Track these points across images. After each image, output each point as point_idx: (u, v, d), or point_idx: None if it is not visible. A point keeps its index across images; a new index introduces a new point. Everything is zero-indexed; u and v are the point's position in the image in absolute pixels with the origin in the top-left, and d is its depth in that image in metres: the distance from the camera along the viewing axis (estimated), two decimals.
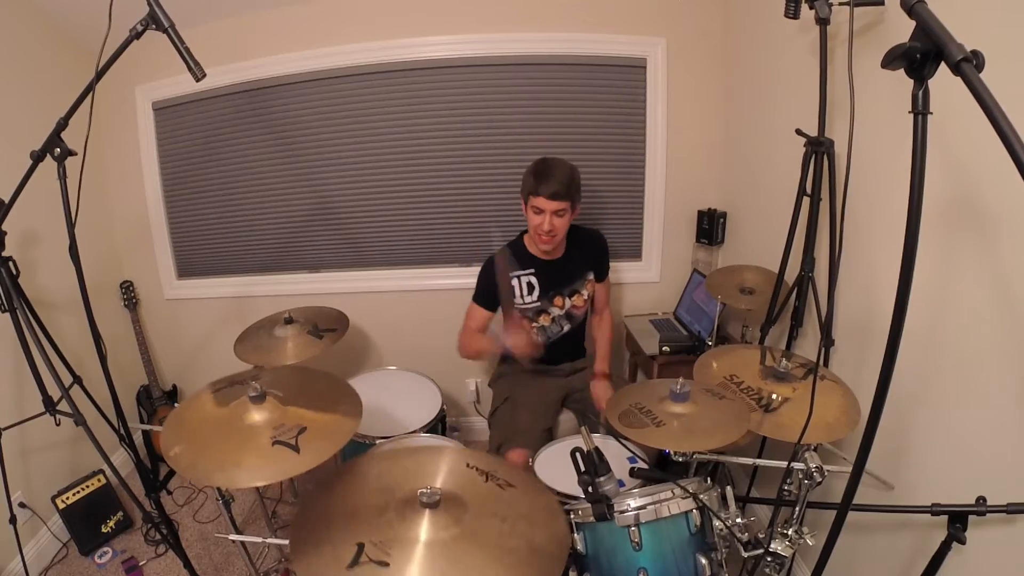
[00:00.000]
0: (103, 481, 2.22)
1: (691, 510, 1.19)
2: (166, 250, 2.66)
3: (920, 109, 0.74)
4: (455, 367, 2.67)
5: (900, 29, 0.74)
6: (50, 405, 1.68)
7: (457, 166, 2.47)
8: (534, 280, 1.98)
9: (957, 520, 1.07)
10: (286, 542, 1.13)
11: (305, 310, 2.18)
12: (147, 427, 2.58)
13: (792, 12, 1.55)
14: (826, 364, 1.58)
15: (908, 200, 0.77)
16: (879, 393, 0.87)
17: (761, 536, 1.22)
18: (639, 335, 2.37)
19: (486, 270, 2.01)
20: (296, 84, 2.40)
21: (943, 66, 0.68)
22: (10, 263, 1.58)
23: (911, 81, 0.73)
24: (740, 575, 1.44)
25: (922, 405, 1.32)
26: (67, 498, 2.11)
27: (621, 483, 1.21)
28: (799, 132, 1.62)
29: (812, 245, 1.63)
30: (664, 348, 2.18)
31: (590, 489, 1.14)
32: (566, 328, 2.07)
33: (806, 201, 1.62)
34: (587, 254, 2.05)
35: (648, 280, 2.65)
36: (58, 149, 1.39)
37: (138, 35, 1.27)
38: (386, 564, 0.95)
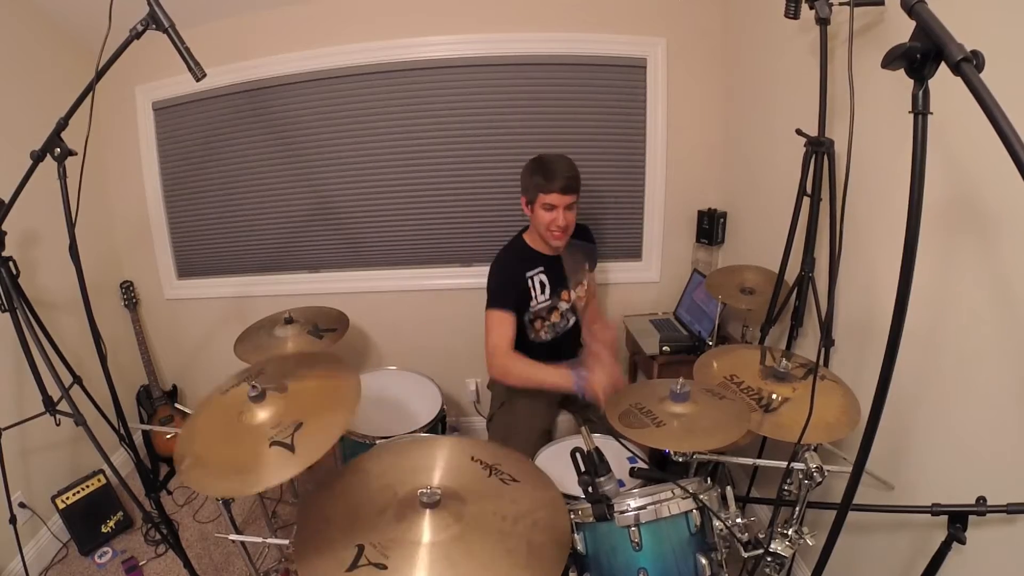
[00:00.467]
0: (103, 481, 2.22)
1: (691, 510, 1.19)
2: (166, 250, 2.66)
3: (920, 109, 0.74)
4: (455, 367, 2.67)
5: (900, 29, 0.74)
6: (50, 405, 1.68)
7: (457, 166, 2.47)
8: (544, 278, 1.97)
9: (957, 520, 1.07)
10: (286, 542, 1.13)
11: (305, 310, 2.18)
12: (147, 427, 2.58)
13: (792, 12, 1.55)
14: (826, 364, 1.58)
15: (908, 200, 0.77)
16: (879, 393, 0.87)
17: (761, 536, 1.22)
18: (639, 335, 2.37)
19: (498, 271, 1.94)
20: (296, 84, 2.40)
21: (943, 66, 0.68)
22: (10, 263, 1.58)
23: (911, 81, 0.73)
24: (740, 575, 1.44)
25: (922, 405, 1.32)
26: (67, 498, 2.11)
27: (621, 483, 1.21)
28: (799, 132, 1.62)
29: (812, 245, 1.63)
30: (664, 348, 2.18)
31: (590, 489, 1.14)
32: (571, 322, 2.08)
33: (806, 201, 1.62)
34: (581, 245, 2.06)
35: (648, 280, 2.65)
36: (58, 149, 1.39)
37: (138, 35, 1.27)
38: (384, 567, 0.95)
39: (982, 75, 0.64)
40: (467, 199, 2.52)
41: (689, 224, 2.54)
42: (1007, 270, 1.11)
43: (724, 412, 1.29)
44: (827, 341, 1.53)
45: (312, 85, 2.39)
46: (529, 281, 1.95)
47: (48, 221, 1.83)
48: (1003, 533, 1.11)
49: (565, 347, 2.11)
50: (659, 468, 1.64)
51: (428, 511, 1.03)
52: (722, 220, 2.42)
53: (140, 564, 2.06)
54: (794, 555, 1.50)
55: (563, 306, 2.03)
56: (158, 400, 2.63)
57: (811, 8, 1.45)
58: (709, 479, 1.29)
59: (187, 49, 1.28)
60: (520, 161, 2.44)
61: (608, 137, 2.46)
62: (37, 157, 1.40)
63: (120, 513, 2.23)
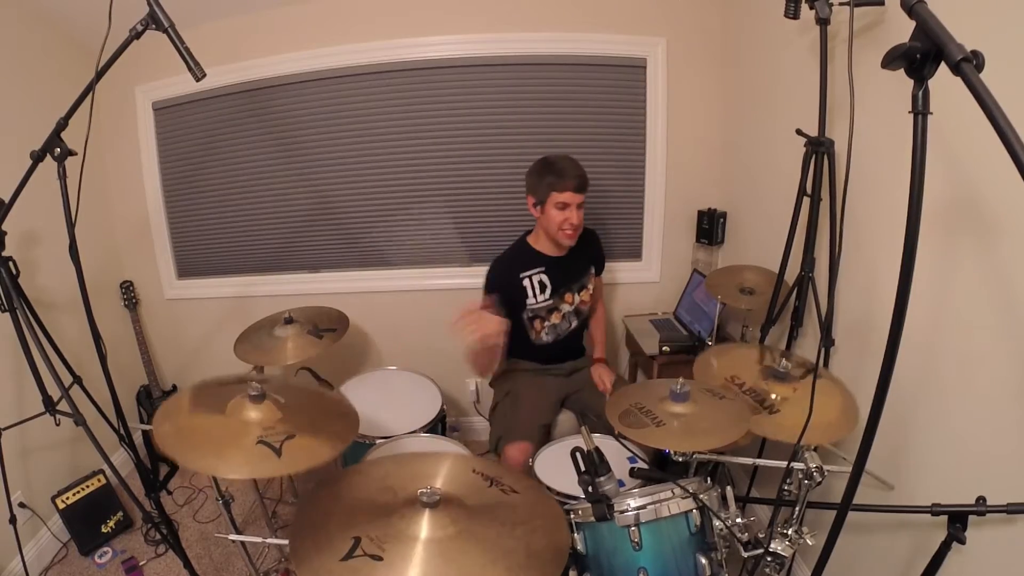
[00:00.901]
0: (103, 481, 2.22)
1: (691, 510, 1.19)
2: (166, 250, 2.66)
3: (920, 109, 0.74)
4: (455, 367, 2.66)
5: (900, 29, 0.74)
6: (50, 405, 1.68)
7: (457, 166, 2.47)
8: (545, 278, 1.97)
9: (957, 520, 1.07)
10: (286, 542, 1.13)
11: (305, 310, 2.18)
12: (147, 427, 2.58)
13: (792, 12, 1.55)
14: (826, 364, 1.58)
15: (908, 200, 0.77)
16: (879, 393, 0.87)
17: (761, 536, 1.22)
18: (639, 335, 2.37)
19: (494, 271, 1.98)
20: (296, 84, 2.40)
21: (943, 66, 0.68)
22: (10, 263, 1.58)
23: (911, 81, 0.73)
24: (740, 575, 1.44)
25: (922, 405, 1.32)
26: (67, 498, 2.11)
27: (621, 483, 1.21)
28: (799, 132, 1.62)
29: (812, 245, 1.63)
30: (664, 348, 2.18)
31: (590, 489, 1.15)
32: (574, 324, 2.08)
33: (806, 201, 1.62)
34: (588, 249, 2.07)
35: (648, 280, 2.65)
36: (58, 149, 1.39)
37: (138, 35, 1.27)
38: (380, 558, 0.95)
39: (982, 75, 0.64)
40: (467, 199, 2.52)
41: (689, 224, 2.54)
42: (1007, 270, 1.11)
43: (724, 412, 1.29)
44: (827, 341, 1.53)
45: (312, 85, 2.39)
46: (525, 280, 1.96)
47: (48, 221, 1.83)
48: (1003, 533, 1.11)
49: (567, 350, 2.11)
50: (659, 468, 1.64)
51: (428, 510, 1.03)
52: (722, 220, 2.41)
53: (140, 564, 2.06)
54: (794, 555, 1.50)
55: (565, 308, 2.03)
56: (158, 400, 2.63)
57: (811, 8, 1.45)
58: (709, 479, 1.29)
59: (187, 49, 1.28)
60: (520, 161, 2.45)
61: (608, 137, 2.46)
62: (37, 157, 1.40)
63: (120, 513, 2.23)
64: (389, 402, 2.03)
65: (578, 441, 1.50)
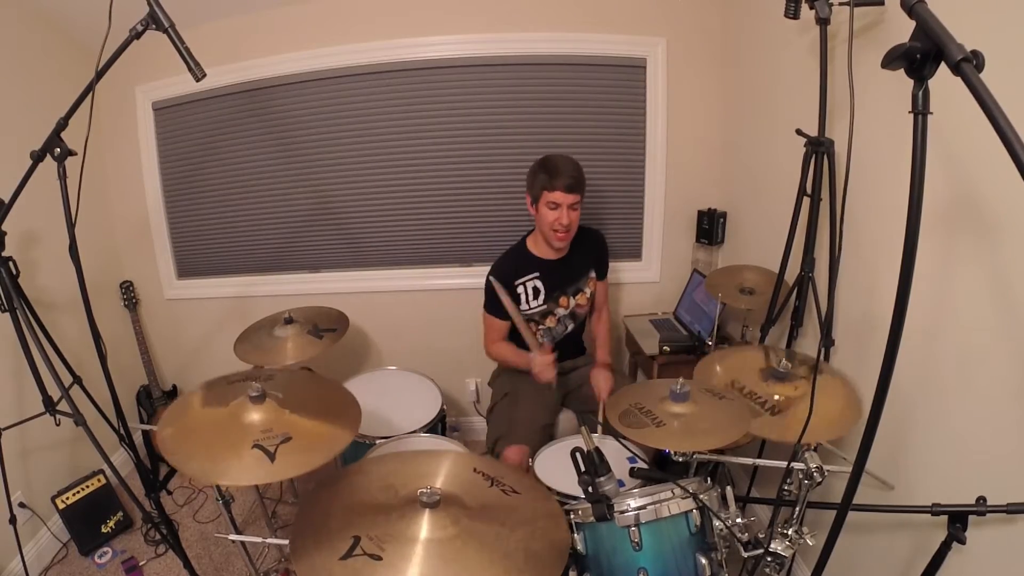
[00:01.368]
0: (103, 481, 2.22)
1: (691, 510, 1.19)
2: (166, 250, 2.66)
3: (920, 109, 0.74)
4: (455, 367, 2.68)
5: (900, 29, 0.74)
6: (50, 405, 1.68)
7: (457, 166, 2.47)
8: (539, 284, 1.97)
9: (957, 520, 1.07)
10: (286, 542, 1.13)
11: (305, 310, 2.18)
12: (147, 427, 2.58)
13: (792, 12, 1.55)
14: (826, 363, 1.58)
15: (908, 200, 0.77)
16: (879, 393, 0.87)
17: (761, 536, 1.22)
18: (639, 335, 2.37)
19: (491, 277, 1.97)
20: (296, 84, 2.40)
21: (943, 66, 0.68)
22: (10, 263, 1.58)
23: (911, 81, 0.73)
24: (740, 575, 1.44)
25: (922, 405, 1.32)
26: (67, 498, 2.11)
27: (621, 483, 1.21)
28: (799, 132, 1.62)
29: (812, 245, 1.63)
30: (664, 348, 2.18)
31: (590, 489, 1.14)
32: (570, 328, 2.08)
33: (806, 201, 1.62)
34: (588, 252, 2.05)
35: (648, 280, 2.65)
36: (58, 149, 1.39)
37: (138, 35, 1.27)
38: (379, 558, 0.95)
39: (982, 75, 0.64)
40: (467, 199, 2.52)
41: (689, 224, 2.54)
42: (1007, 270, 1.11)
43: (724, 412, 1.29)
44: (827, 341, 1.53)
45: (312, 85, 2.39)
46: (520, 288, 1.97)
47: (48, 221, 1.83)
48: (1003, 533, 1.11)
49: (565, 350, 2.11)
50: (659, 468, 1.64)
51: (428, 510, 1.03)
52: (722, 220, 2.41)
53: (140, 564, 2.06)
54: (794, 555, 1.50)
55: (560, 312, 2.03)
56: (158, 400, 2.63)
57: (811, 8, 1.45)
58: (709, 479, 1.29)
59: (187, 49, 1.28)
60: (520, 160, 2.45)
61: (608, 137, 2.46)
62: (37, 157, 1.40)
63: (120, 513, 2.23)
64: (389, 402, 2.03)
65: (578, 441, 1.50)
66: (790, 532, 1.21)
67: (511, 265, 1.98)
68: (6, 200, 1.52)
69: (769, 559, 1.20)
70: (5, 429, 1.68)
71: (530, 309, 1.99)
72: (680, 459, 1.38)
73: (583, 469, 1.16)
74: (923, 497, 1.13)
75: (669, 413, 1.30)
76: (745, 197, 2.30)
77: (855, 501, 0.98)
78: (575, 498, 1.37)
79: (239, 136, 2.48)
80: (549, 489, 1.50)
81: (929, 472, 1.32)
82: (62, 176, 1.40)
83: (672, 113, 2.42)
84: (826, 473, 1.16)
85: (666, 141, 2.45)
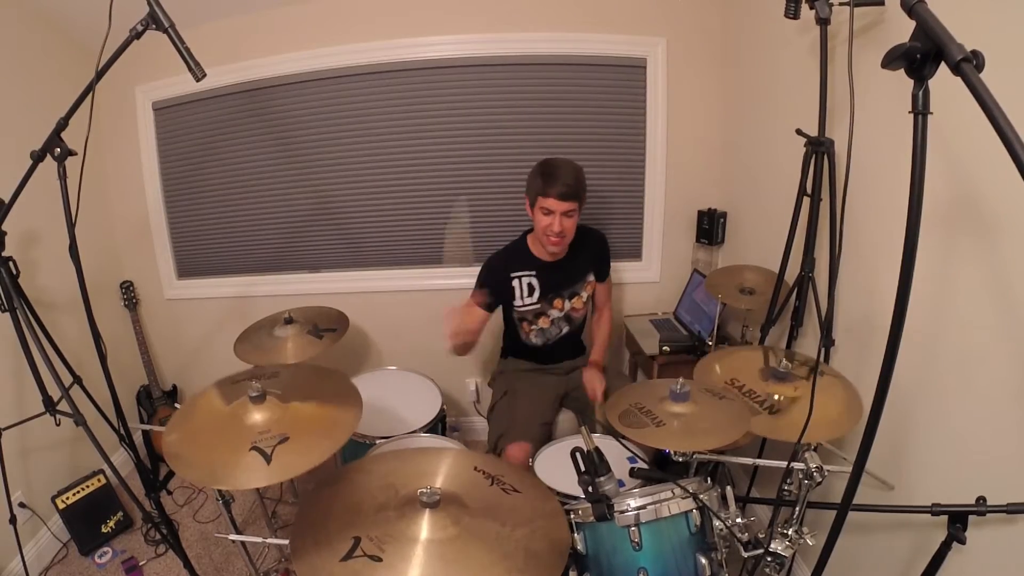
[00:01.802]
0: (103, 481, 2.22)
1: (691, 510, 1.19)
2: (166, 250, 2.66)
3: (920, 109, 0.74)
4: (455, 367, 2.67)
5: (900, 29, 0.74)
6: (50, 405, 1.68)
7: (457, 166, 2.47)
8: (535, 281, 1.97)
9: (957, 520, 1.07)
10: (286, 542, 1.13)
11: (305, 310, 2.18)
12: (147, 427, 2.58)
13: (792, 12, 1.55)
14: (826, 364, 1.58)
15: (908, 200, 0.77)
16: (879, 393, 0.87)
17: (761, 536, 1.22)
18: (639, 335, 2.37)
19: (486, 269, 1.99)
20: (296, 84, 2.40)
21: (943, 66, 0.68)
22: (10, 263, 1.58)
23: (911, 81, 0.73)
24: (740, 575, 1.44)
25: (922, 405, 1.32)
26: (67, 498, 2.11)
27: (621, 483, 1.21)
28: (799, 132, 1.62)
29: (812, 245, 1.63)
30: (664, 348, 2.18)
31: (590, 489, 1.14)
32: (565, 330, 2.07)
33: (806, 201, 1.62)
34: (588, 255, 2.04)
35: (648, 280, 2.65)
36: (58, 149, 1.39)
37: (138, 35, 1.27)
38: (379, 559, 0.95)
39: (982, 75, 0.64)
40: (467, 199, 2.52)
41: (689, 224, 2.54)
42: (1007, 270, 1.11)
43: (724, 412, 1.29)
44: (827, 341, 1.54)
45: (312, 85, 2.39)
46: (515, 281, 1.96)
47: (48, 221, 1.83)
48: (1003, 533, 1.11)
49: (562, 351, 2.11)
50: (659, 468, 1.64)
51: (428, 511, 1.03)
52: (722, 220, 2.41)
53: (140, 564, 2.06)
54: (794, 555, 1.50)
55: (554, 313, 2.02)
56: (158, 400, 2.63)
57: (811, 8, 1.45)
58: (709, 479, 1.29)
59: (187, 49, 1.28)
60: (520, 161, 2.45)
61: (608, 137, 2.46)
62: (37, 157, 1.40)
63: (120, 513, 2.23)
64: (389, 402, 2.03)
65: (578, 441, 1.50)
66: (790, 532, 1.21)
67: (509, 258, 1.98)
68: (6, 200, 1.52)
69: (769, 559, 1.20)
70: (5, 429, 1.68)
71: (524, 305, 1.98)
72: (680, 459, 1.38)
73: (583, 469, 1.16)
74: (923, 497, 1.14)
75: (669, 413, 1.30)
76: (745, 197, 2.30)
77: (855, 501, 0.98)
78: (575, 498, 1.37)
79: (239, 136, 2.48)
80: (553, 495, 1.50)
81: (929, 472, 1.32)
82: (62, 176, 1.40)
83: (672, 113, 2.42)
84: (826, 473, 1.16)
85: (666, 141, 2.45)
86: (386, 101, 2.40)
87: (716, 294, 1.95)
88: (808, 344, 1.79)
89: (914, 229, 0.78)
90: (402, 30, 2.31)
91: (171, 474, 2.54)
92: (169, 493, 2.44)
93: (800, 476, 1.18)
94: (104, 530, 2.18)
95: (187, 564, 1.75)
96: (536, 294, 1.98)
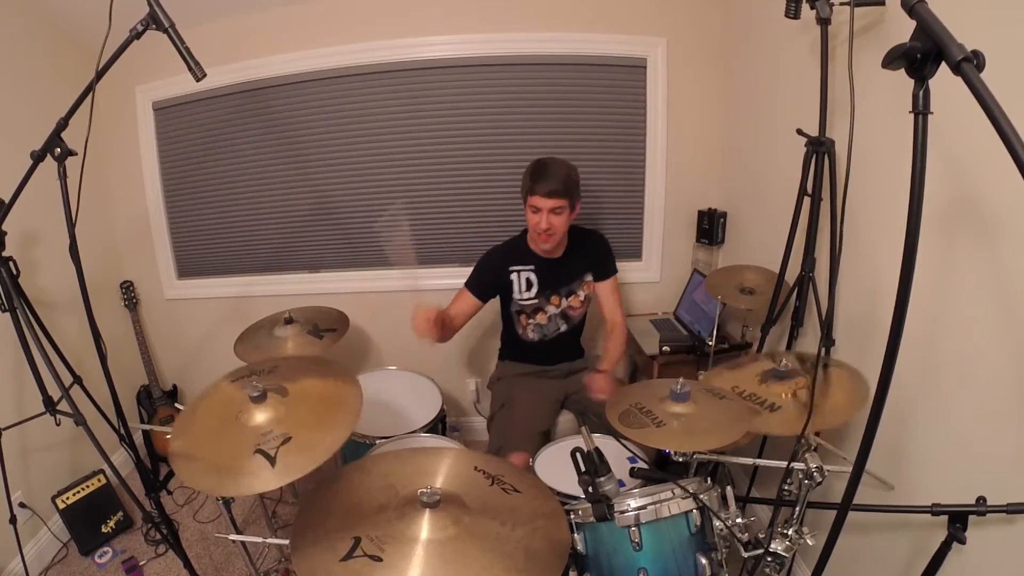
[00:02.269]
0: (103, 481, 2.22)
1: (691, 510, 1.19)
2: (166, 250, 2.66)
3: (921, 109, 0.74)
4: (455, 367, 2.68)
5: (901, 29, 0.74)
6: (50, 405, 1.68)
7: (457, 166, 2.47)
8: (533, 277, 1.98)
9: (957, 520, 1.07)
10: (286, 542, 1.13)
11: (305, 310, 2.18)
12: (147, 427, 2.58)
13: (792, 12, 1.55)
14: (826, 364, 1.58)
15: (908, 200, 0.77)
16: (879, 393, 0.87)
17: (761, 536, 1.22)
18: (639, 335, 2.37)
19: (485, 258, 2.01)
20: (296, 84, 2.40)
21: (943, 66, 0.68)
22: (10, 263, 1.58)
23: (911, 81, 0.73)
24: (740, 575, 1.44)
25: (922, 404, 1.32)
26: (67, 498, 2.11)
27: (621, 483, 1.21)
28: (800, 132, 1.62)
29: (812, 245, 1.63)
30: (664, 348, 2.18)
31: (590, 489, 1.14)
32: (563, 328, 2.07)
33: (806, 201, 1.62)
34: (586, 255, 2.04)
35: (648, 280, 2.65)
36: (58, 149, 1.39)
37: (138, 35, 1.27)
38: (379, 559, 0.95)
39: (982, 75, 0.64)
40: (467, 199, 2.52)
41: (689, 224, 2.54)
42: (1007, 270, 1.11)
43: (724, 412, 1.29)
44: (827, 341, 1.53)
45: (312, 85, 2.39)
46: (513, 275, 1.97)
47: (48, 221, 1.83)
48: (1003, 533, 1.11)
49: (560, 351, 2.11)
50: (659, 468, 1.64)
51: (428, 511, 1.03)
52: (722, 220, 2.41)
53: (140, 564, 2.06)
54: (794, 555, 1.50)
55: (551, 310, 2.03)
56: (158, 400, 2.63)
57: (811, 8, 1.45)
58: (709, 479, 1.29)
59: (187, 49, 1.28)
60: (520, 161, 2.43)
61: (608, 137, 2.46)
62: (37, 157, 1.40)
63: (120, 513, 2.23)
64: (389, 402, 2.03)
65: (578, 441, 1.50)
66: (790, 532, 1.21)
67: (509, 253, 2.00)
68: (6, 200, 1.52)
69: (769, 559, 1.20)
70: (5, 429, 1.68)
71: (522, 299, 1.99)
72: (680, 459, 1.38)
73: (583, 469, 1.16)
74: (923, 497, 1.13)
75: (669, 413, 1.30)
76: (745, 197, 2.30)
77: (855, 501, 0.98)
78: (575, 498, 1.37)
79: (239, 136, 2.48)
80: (553, 495, 1.50)
81: (929, 472, 1.32)
82: (62, 176, 1.40)
83: (672, 113, 2.42)
84: (826, 473, 1.16)
85: (666, 141, 2.45)
86: (386, 101, 2.40)
87: (716, 294, 1.95)
88: (808, 344, 1.79)
89: (914, 229, 0.78)
90: (402, 30, 2.32)
91: (171, 474, 2.54)
92: (169, 493, 2.44)
93: (800, 476, 1.18)
94: (104, 530, 2.18)
95: (187, 564, 1.75)
96: (534, 289, 1.99)
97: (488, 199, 2.51)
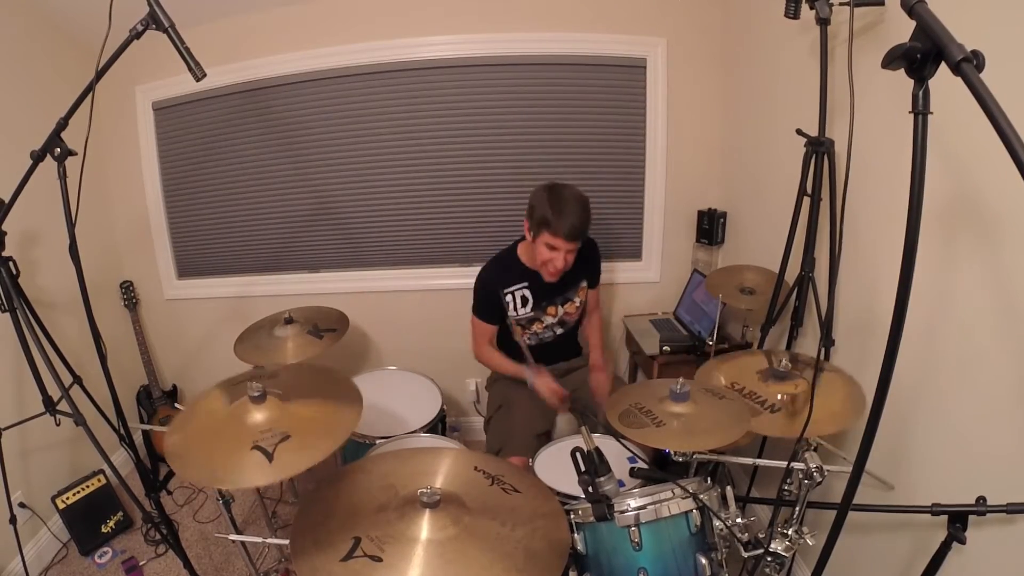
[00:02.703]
0: (103, 481, 2.22)
1: (691, 510, 1.19)
2: (166, 250, 2.66)
3: (920, 109, 0.74)
4: (455, 367, 2.67)
5: (900, 29, 0.74)
6: (50, 405, 1.68)
7: (457, 166, 2.47)
8: (528, 293, 1.97)
9: (957, 520, 1.07)
10: (286, 542, 1.13)
11: (305, 310, 2.18)
12: (147, 427, 2.58)
13: (792, 12, 1.55)
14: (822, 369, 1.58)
15: (908, 200, 0.77)
16: (879, 393, 0.87)
17: (761, 536, 1.22)
18: (639, 335, 2.37)
19: (480, 282, 1.99)
20: (296, 84, 2.40)
21: (943, 66, 0.68)
22: (10, 263, 1.58)
23: (911, 81, 0.73)
24: (740, 575, 1.44)
25: (922, 405, 1.32)
26: (67, 498, 2.11)
27: (621, 483, 1.21)
28: (799, 132, 1.62)
29: (812, 245, 1.63)
30: (664, 348, 2.18)
31: (590, 489, 1.14)
32: (559, 332, 2.08)
33: (806, 201, 1.62)
34: (582, 264, 1.99)
35: (648, 280, 2.65)
36: (58, 149, 1.39)
37: (138, 35, 1.27)
38: (379, 559, 0.95)
39: (982, 75, 0.64)
40: (467, 199, 2.52)
41: (689, 224, 2.54)
42: (1007, 270, 1.11)
43: (724, 412, 1.29)
44: (827, 341, 1.53)
45: (312, 85, 2.39)
46: (508, 296, 1.96)
47: (48, 221, 1.83)
48: (1003, 533, 1.11)
49: (558, 351, 2.12)
50: (659, 468, 1.64)
51: (428, 511, 1.03)
52: (722, 220, 2.41)
53: (140, 564, 2.06)
54: (794, 555, 1.50)
55: (548, 319, 2.03)
56: (158, 400, 2.63)
57: (811, 8, 1.45)
58: (709, 479, 1.29)
59: (187, 49, 1.28)
60: (519, 161, 2.45)
61: (608, 137, 2.46)
62: (37, 157, 1.40)
63: (120, 513, 2.23)
64: (389, 402, 2.03)
65: (578, 441, 1.50)
66: (790, 532, 1.21)
67: (501, 273, 1.97)
68: (6, 200, 1.52)
69: (769, 559, 1.20)
70: (5, 429, 1.68)
71: (518, 315, 1.99)
72: (680, 459, 1.38)
73: (583, 469, 1.16)
74: (923, 497, 1.13)
75: (669, 413, 1.30)
76: (745, 197, 2.30)
77: (855, 501, 0.98)
78: (575, 498, 1.37)
79: (239, 136, 2.48)
80: (553, 495, 1.50)
81: (929, 472, 1.32)
82: (62, 176, 1.40)
83: (672, 113, 2.42)
84: (826, 473, 1.16)
85: (666, 141, 2.45)
86: (386, 101, 2.40)
87: (716, 294, 1.95)
88: (808, 344, 1.79)
89: (914, 229, 0.78)
90: (402, 30, 2.31)
91: (171, 474, 2.54)
92: (169, 493, 2.44)
93: (800, 476, 1.18)
94: (104, 530, 2.18)
95: (187, 564, 1.75)
96: (530, 304, 1.98)
97: (488, 199, 2.51)
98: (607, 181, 2.50)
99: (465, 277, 2.54)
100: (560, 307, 2.03)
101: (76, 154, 1.40)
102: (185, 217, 2.62)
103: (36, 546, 2.07)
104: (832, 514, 1.04)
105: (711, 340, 2.09)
